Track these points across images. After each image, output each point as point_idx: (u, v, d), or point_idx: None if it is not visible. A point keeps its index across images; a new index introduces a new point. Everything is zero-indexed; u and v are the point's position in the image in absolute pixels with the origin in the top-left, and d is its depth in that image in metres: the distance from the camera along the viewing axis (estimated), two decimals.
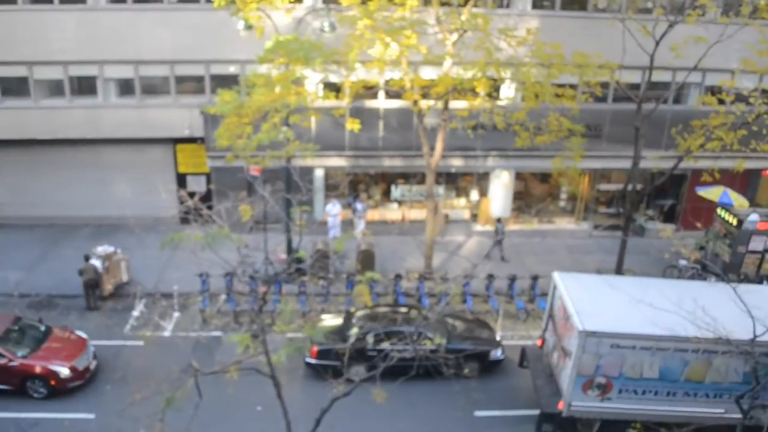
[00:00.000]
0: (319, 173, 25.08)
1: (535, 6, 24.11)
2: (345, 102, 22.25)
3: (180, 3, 23.35)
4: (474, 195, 27.30)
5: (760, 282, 21.28)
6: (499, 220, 24.76)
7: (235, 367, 10.61)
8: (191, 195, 11.33)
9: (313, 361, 16.99)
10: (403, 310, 18.29)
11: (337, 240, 11.85)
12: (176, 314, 20.19)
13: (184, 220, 12.66)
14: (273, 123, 17.58)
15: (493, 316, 20.52)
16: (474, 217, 27.26)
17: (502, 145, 24.26)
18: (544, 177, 27.17)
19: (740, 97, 21.23)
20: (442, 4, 20.07)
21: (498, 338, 18.48)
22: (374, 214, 26.36)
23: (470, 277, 20.92)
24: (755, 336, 12.04)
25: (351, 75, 20.22)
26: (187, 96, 24.48)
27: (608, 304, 14.76)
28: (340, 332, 17.46)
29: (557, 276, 16.29)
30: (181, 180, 25.37)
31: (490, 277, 21.34)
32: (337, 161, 24.60)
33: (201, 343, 18.33)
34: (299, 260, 19.64)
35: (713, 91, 22.83)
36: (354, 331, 17.15)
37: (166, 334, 19.26)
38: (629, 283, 16.08)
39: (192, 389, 10.28)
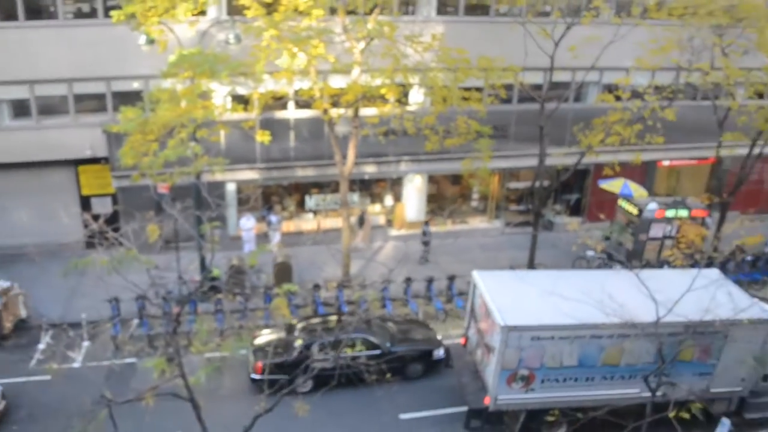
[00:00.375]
0: (231, 187, 24.59)
1: (439, 12, 24.53)
2: (254, 114, 21.92)
3: (77, 19, 22.36)
4: (389, 200, 27.52)
5: (661, 267, 22.40)
6: (426, 223, 25.13)
7: (152, 393, 10.25)
8: (96, 218, 10.85)
9: (258, 376, 16.72)
10: (345, 318, 18.17)
11: (252, 254, 11.66)
12: (86, 343, 19.25)
13: (90, 245, 12.12)
14: (180, 138, 17.13)
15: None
16: (389, 222, 27.48)
17: (413, 149, 24.56)
18: (456, 179, 27.70)
19: (635, 94, 22.36)
20: (349, 13, 20.14)
21: (439, 337, 18.68)
22: (289, 226, 26.11)
23: (388, 282, 21.04)
24: (658, 318, 12.70)
25: (259, 86, 19.97)
26: (87, 115, 23.38)
27: (526, 298, 15.19)
28: (284, 345, 17.23)
29: (476, 275, 16.61)
30: (85, 202, 24.21)
31: (408, 280, 21.55)
32: (249, 174, 24.22)
33: (114, 372, 17.53)
34: (213, 278, 19.19)
35: (610, 88, 23.90)
36: (299, 342, 17.02)
37: (76, 365, 18.33)
38: (543, 277, 16.71)
39: (106, 421, 9.85)
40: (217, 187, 21.63)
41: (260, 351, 17.20)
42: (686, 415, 12.64)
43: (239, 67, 18.01)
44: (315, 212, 26.69)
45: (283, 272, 21.98)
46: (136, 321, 19.57)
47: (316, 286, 21.07)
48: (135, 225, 11.59)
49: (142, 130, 16.98)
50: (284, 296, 17.99)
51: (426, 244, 24.96)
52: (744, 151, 24.30)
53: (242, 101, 21.12)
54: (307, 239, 24.21)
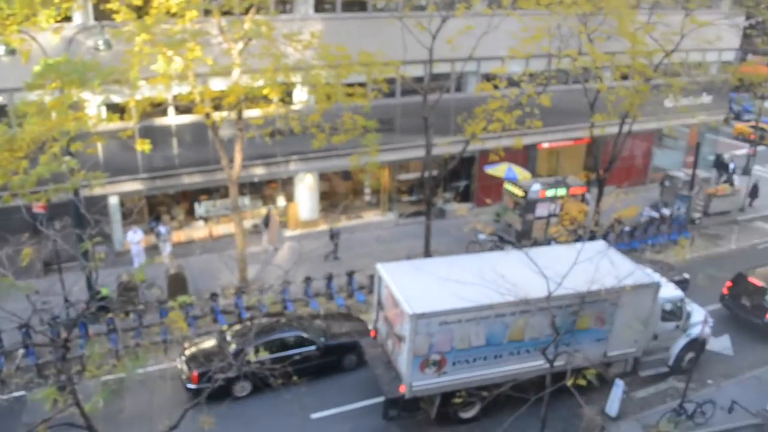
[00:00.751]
0: (113, 201, 23.44)
1: (317, 10, 24.42)
2: (132, 122, 20.98)
3: None
4: (281, 201, 27.22)
5: (548, 243, 23.50)
6: (335, 223, 25.07)
7: (45, 426, 9.63)
8: None
9: (194, 386, 16.32)
10: (275, 319, 18.46)
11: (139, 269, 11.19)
12: None
13: None
14: (52, 153, 16.06)
15: None
16: (283, 223, 27.17)
17: (301, 148, 24.40)
18: (347, 174, 27.78)
19: (512, 82, 23.23)
20: (224, 14, 19.66)
21: (370, 327, 18.69)
22: (180, 235, 25.27)
23: (287, 284, 20.85)
24: (550, 292, 13.32)
25: (135, 93, 19.16)
26: None
27: (430, 286, 15.46)
28: (218, 352, 16.76)
29: (380, 267, 16.81)
30: None
31: (308, 279, 21.43)
32: (131, 186, 23.18)
33: (2, 408, 16.36)
34: (102, 297, 18.27)
35: (489, 78, 24.70)
36: (232, 347, 16.73)
37: None
38: (441, 264, 17.15)
39: None
40: (98, 202, 20.54)
41: (193, 361, 16.84)
42: (583, 382, 13.34)
43: (112, 74, 17.19)
44: (206, 219, 25.97)
45: (178, 284, 21.25)
46: (21, 351, 18.21)
47: (214, 295, 20.51)
48: (9, 249, 10.80)
49: (10, 146, 15.85)
50: (180, 309, 17.46)
51: (335, 240, 24.97)
52: (615, 130, 25.87)
53: (118, 110, 20.13)
54: (200, 247, 23.57)
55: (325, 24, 23.82)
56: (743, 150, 39.29)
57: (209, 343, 17.83)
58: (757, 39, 28.80)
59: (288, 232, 26.84)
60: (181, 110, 22.63)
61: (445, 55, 22.32)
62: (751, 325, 20.93)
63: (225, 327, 18.46)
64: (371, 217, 28.69)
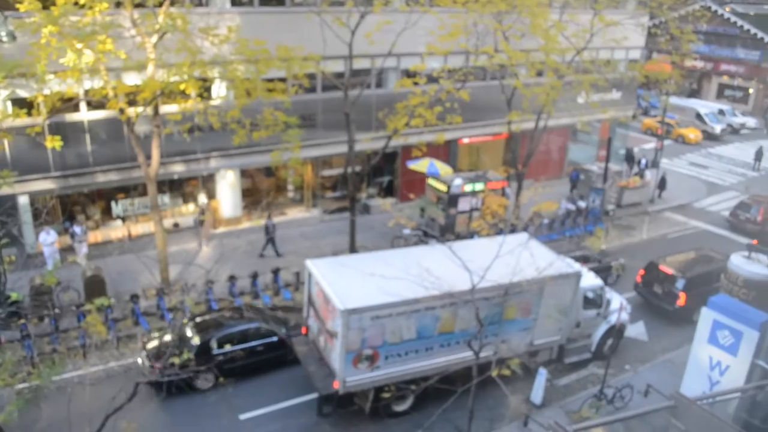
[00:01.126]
0: (23, 201, 22.30)
1: (234, 3, 23.95)
2: (41, 118, 20.02)
3: None
4: (202, 199, 26.63)
5: (471, 237, 23.98)
6: (269, 217, 24.71)
7: None
8: None
9: (158, 379, 15.81)
10: (236, 310, 18.55)
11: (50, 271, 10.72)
12: None
13: None
14: None
15: None
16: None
17: (222, 144, 23.95)
18: (269, 171, 27.46)
19: (432, 78, 23.50)
20: (137, 6, 19.01)
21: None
22: (97, 236, 24.33)
23: (212, 283, 20.45)
24: (473, 285, 13.59)
25: (43, 88, 18.31)
26: None
27: (360, 281, 15.45)
28: (179, 345, 16.46)
29: (310, 263, 16.73)
30: None
31: (232, 278, 21.09)
32: (42, 185, 22.13)
33: None
34: (14, 302, 17.36)
35: (409, 74, 24.97)
36: (196, 340, 16.73)
37: None
38: (369, 259, 17.32)
39: None
40: (5, 202, 19.54)
41: (154, 354, 16.52)
42: (507, 372, 13.70)
43: (16, 68, 16.42)
44: (124, 219, 25.11)
45: (95, 286, 20.44)
46: None
47: (134, 297, 19.88)
48: None
49: None
50: (98, 312, 16.82)
51: (271, 240, 24.64)
52: (531, 125, 26.64)
53: (25, 105, 19.17)
54: (118, 248, 22.79)
55: (242, 18, 23.44)
56: (651, 144, 41.27)
57: (169, 336, 17.45)
58: (661, 38, 30.25)
59: (211, 231, 26.29)
60: (93, 106, 21.76)
61: (365, 51, 22.40)
62: (663, 311, 22.02)
63: (185, 320, 18.17)
64: (295, 213, 28.47)
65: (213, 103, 22.69)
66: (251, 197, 27.53)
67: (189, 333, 17.35)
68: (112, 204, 24.86)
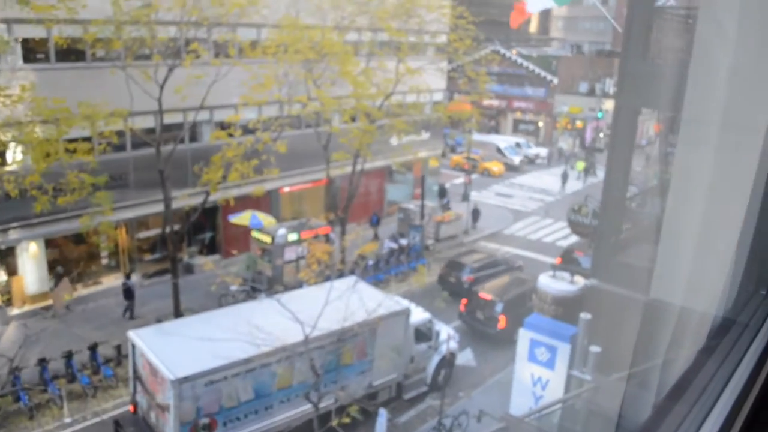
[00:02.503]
0: None
1: (27, 60, 22.20)
2: None
3: None
4: (1, 276, 23.96)
5: (300, 287, 23.82)
6: (127, 276, 23.09)
7: None
8: None
9: None
10: None
11: None
12: None
13: None
14: None
15: (58, 404, 18.39)
16: (8, 301, 23.92)
17: (22, 214, 21.82)
18: (79, 238, 25.42)
19: (247, 130, 23.33)
20: None
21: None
22: None
23: (19, 370, 18.31)
24: (306, 336, 13.48)
25: None
26: None
27: (188, 347, 14.69)
28: None
29: (133, 334, 15.69)
30: None
31: (42, 361, 19.01)
32: None
33: None
34: None
35: (223, 126, 24.59)
36: None
37: None
38: (196, 322, 16.68)
39: None
40: None
41: None
42: (347, 419, 13.63)
43: None
44: None
45: None
46: None
47: None
48: None
49: None
50: None
51: (129, 298, 23.03)
52: (349, 169, 27.29)
53: None
54: None
55: (38, 75, 21.77)
56: (460, 179, 44.02)
57: None
58: (459, 80, 32.61)
59: (15, 311, 23.65)
60: None
61: (176, 105, 21.74)
62: (487, 336, 23.21)
63: None
64: (112, 281, 26.47)
65: (8, 168, 20.70)
66: (60, 267, 25.25)
67: None
68: None
